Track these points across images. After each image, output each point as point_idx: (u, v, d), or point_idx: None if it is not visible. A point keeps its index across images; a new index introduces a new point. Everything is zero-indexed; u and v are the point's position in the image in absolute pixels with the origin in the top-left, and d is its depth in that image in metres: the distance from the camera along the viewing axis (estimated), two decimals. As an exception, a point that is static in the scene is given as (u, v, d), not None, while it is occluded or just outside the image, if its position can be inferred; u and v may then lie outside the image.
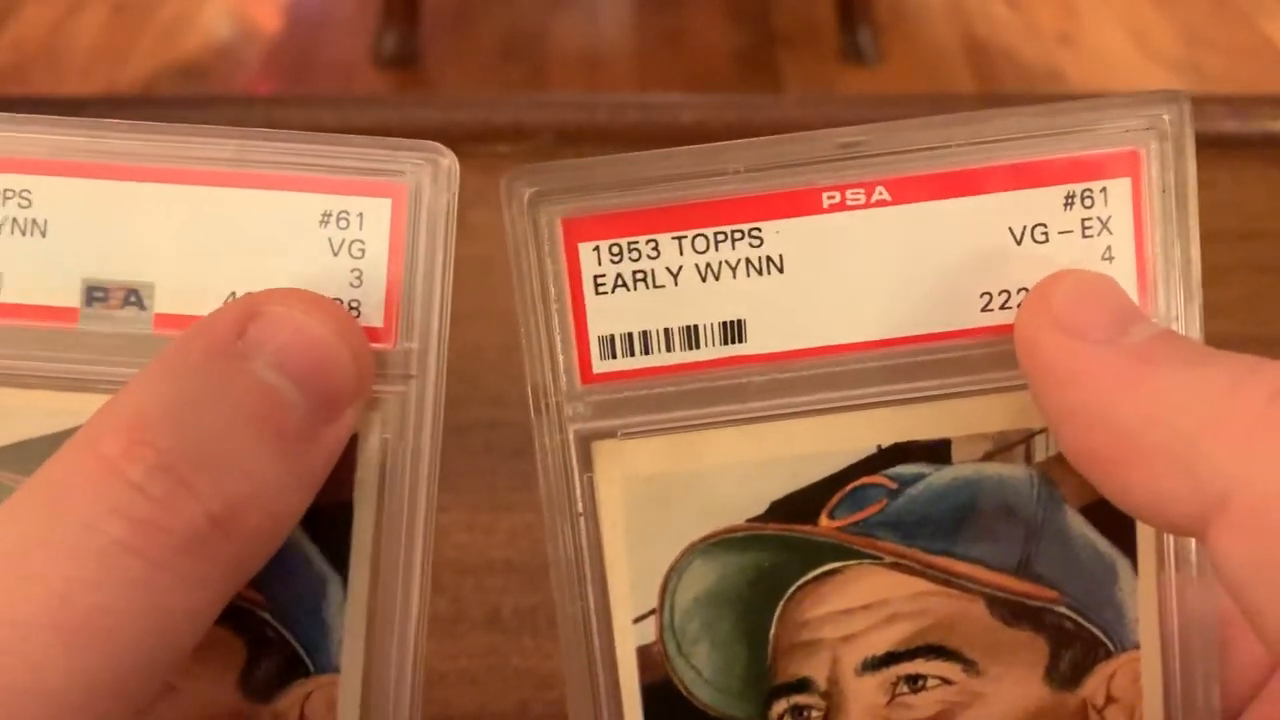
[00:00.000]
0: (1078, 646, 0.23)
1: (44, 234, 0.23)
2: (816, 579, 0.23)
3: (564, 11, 1.29)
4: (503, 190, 0.22)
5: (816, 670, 0.23)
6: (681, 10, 1.29)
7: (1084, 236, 0.23)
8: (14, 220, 0.23)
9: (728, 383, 0.23)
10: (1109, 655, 0.24)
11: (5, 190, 0.23)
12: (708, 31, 1.26)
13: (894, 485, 0.23)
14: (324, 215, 0.23)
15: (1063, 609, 0.23)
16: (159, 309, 0.23)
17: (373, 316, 0.23)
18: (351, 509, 0.23)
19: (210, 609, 0.19)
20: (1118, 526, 0.23)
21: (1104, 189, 0.23)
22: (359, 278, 0.23)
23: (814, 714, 0.23)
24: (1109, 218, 0.23)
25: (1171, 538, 0.23)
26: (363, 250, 0.23)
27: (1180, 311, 0.23)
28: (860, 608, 0.23)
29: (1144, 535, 0.23)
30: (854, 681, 0.23)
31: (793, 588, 0.23)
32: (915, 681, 0.23)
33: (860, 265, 0.23)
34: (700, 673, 0.23)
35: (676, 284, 0.23)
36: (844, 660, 0.23)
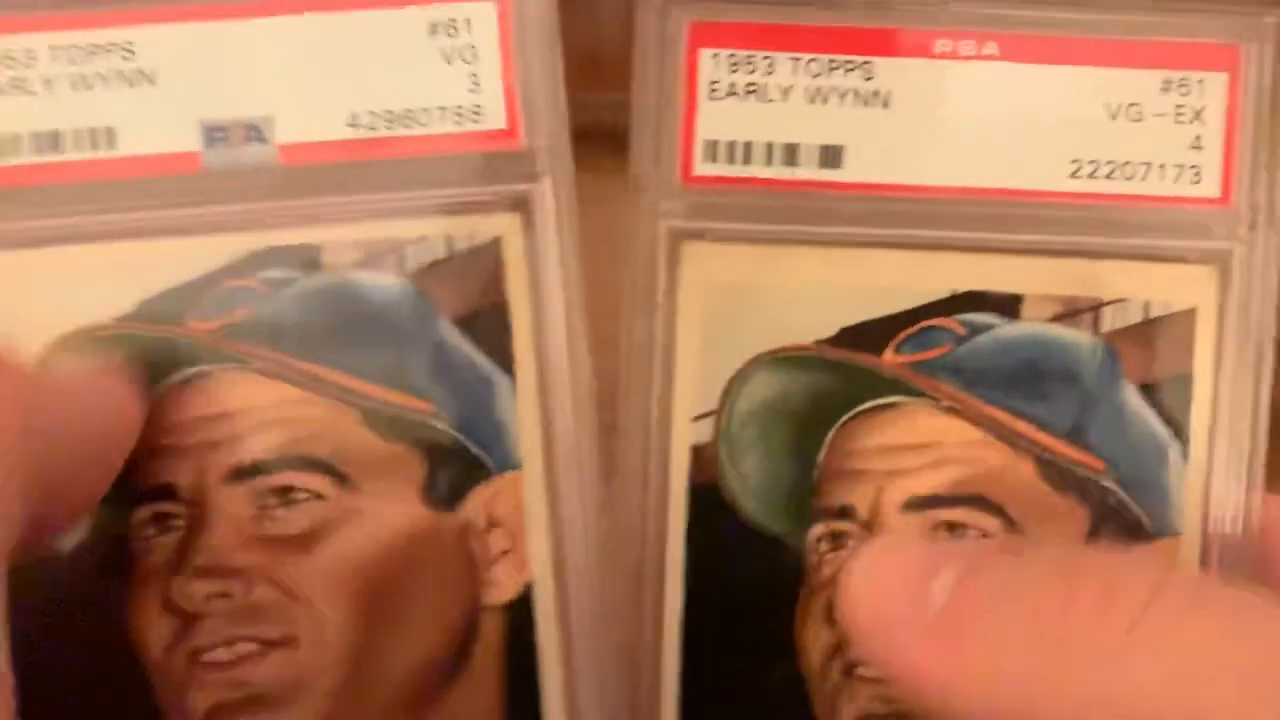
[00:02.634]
0: (1118, 523, 0.24)
1: (153, 82, 0.23)
2: (872, 410, 0.24)
3: (564, 11, 1.32)
4: (640, -14, 0.23)
5: (860, 500, 0.24)
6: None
7: (1176, 122, 0.24)
8: (120, 72, 0.23)
9: (818, 205, 0.24)
10: (1149, 539, 0.24)
11: (107, 44, 0.23)
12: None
13: (963, 331, 0.24)
14: (432, 26, 0.23)
15: (1109, 483, 0.24)
16: (281, 140, 0.23)
17: (495, 119, 0.23)
18: (507, 309, 0.23)
19: None
20: (1174, 409, 0.24)
21: (1201, 80, 0.24)
22: (476, 82, 0.23)
23: (850, 543, 0.24)
24: (1203, 108, 0.24)
25: (1226, 431, 0.24)
26: (475, 55, 0.23)
27: (1263, 205, 0.24)
28: (911, 446, 0.24)
29: (1198, 423, 0.24)
30: (896, 518, 0.24)
31: (848, 415, 0.24)
32: (954, 530, 0.24)
33: (961, 113, 0.24)
34: (747, 482, 0.24)
35: (785, 101, 0.24)
36: (888, 495, 0.24)
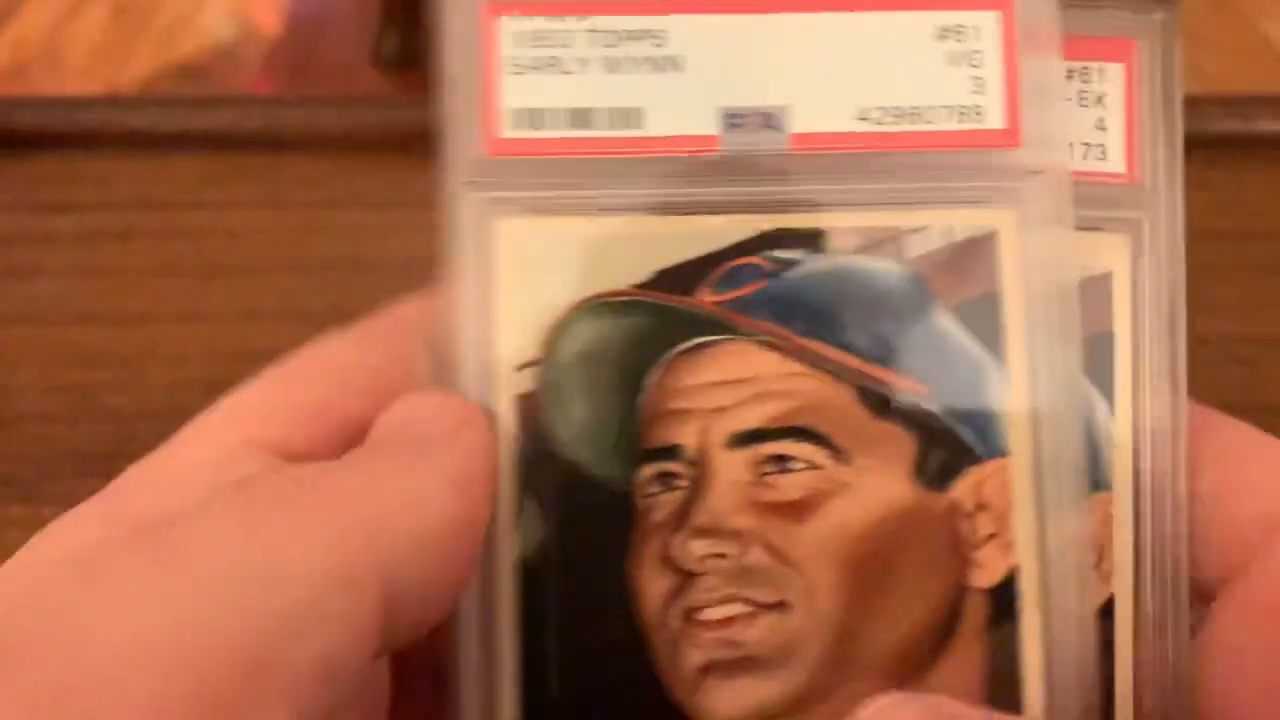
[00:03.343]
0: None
1: (680, 69, 0.25)
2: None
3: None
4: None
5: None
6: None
7: (1080, 105, 0.26)
8: (649, 58, 0.25)
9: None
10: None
11: (640, 30, 0.24)
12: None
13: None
14: (940, 31, 0.25)
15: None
16: (793, 129, 0.24)
17: (995, 119, 0.25)
18: (1001, 300, 0.25)
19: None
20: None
21: (1101, 69, 0.27)
22: (979, 85, 0.25)
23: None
24: (1104, 94, 0.26)
25: (1148, 385, 0.25)
26: (979, 60, 0.25)
27: (1163, 179, 0.26)
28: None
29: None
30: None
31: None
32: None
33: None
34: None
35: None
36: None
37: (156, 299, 0.45)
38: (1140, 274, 0.25)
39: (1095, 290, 0.25)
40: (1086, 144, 0.26)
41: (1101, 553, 0.25)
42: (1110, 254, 0.26)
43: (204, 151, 0.49)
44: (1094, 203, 0.26)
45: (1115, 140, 0.26)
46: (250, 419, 0.22)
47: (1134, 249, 0.26)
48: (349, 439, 0.22)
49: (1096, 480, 0.25)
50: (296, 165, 0.48)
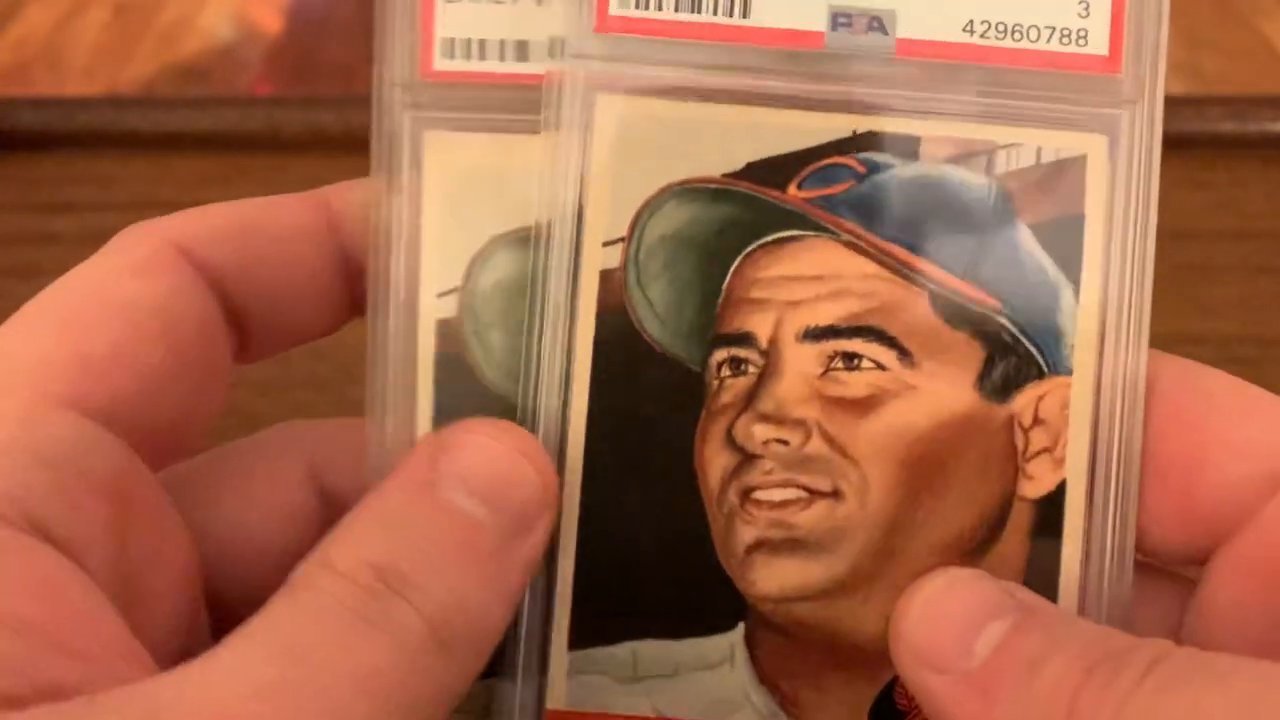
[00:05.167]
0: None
1: None
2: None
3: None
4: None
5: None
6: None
7: None
8: None
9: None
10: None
11: None
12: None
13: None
14: None
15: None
16: (900, 34, 0.24)
17: (1098, 45, 0.25)
18: (1082, 223, 0.25)
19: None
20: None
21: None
22: (1086, 9, 0.25)
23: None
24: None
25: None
26: None
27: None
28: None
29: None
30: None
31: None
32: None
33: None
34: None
35: None
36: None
37: (157, 300, 0.46)
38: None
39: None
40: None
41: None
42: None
43: (205, 152, 0.50)
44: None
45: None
46: (47, 374, 0.21)
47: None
48: (145, 388, 0.21)
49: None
50: (297, 165, 0.49)
